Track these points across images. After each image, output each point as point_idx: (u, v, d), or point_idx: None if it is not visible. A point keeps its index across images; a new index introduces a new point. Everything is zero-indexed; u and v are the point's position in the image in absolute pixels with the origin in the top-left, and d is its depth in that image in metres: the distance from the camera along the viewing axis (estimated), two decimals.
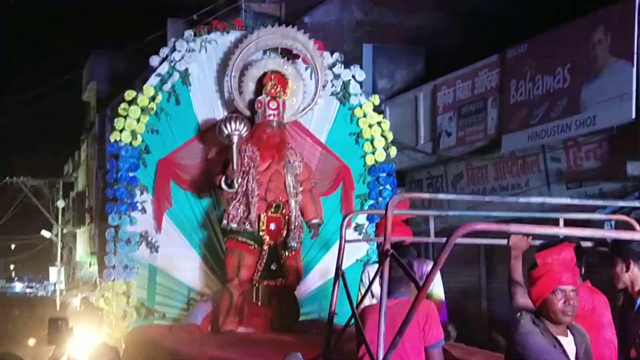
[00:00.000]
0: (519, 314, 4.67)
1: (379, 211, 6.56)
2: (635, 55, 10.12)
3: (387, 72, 14.99)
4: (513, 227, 3.60)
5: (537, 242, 5.16)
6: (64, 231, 33.54)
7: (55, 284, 32.73)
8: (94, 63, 29.22)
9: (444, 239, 5.64)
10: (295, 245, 8.13)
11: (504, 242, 5.30)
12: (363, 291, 6.65)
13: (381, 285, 4.52)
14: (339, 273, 5.33)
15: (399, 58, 15.71)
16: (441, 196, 4.67)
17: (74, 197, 32.86)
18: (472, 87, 13.59)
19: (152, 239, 8.52)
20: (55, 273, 33.41)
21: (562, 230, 3.93)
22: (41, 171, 34.85)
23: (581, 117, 10.85)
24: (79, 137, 33.27)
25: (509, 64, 12.50)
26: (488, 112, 12.96)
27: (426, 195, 4.49)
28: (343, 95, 8.91)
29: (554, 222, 5.55)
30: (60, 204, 32.36)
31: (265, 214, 8.03)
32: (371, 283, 5.03)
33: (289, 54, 8.55)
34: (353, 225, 8.90)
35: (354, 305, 5.09)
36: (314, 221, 8.24)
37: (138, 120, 8.43)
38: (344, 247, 5.35)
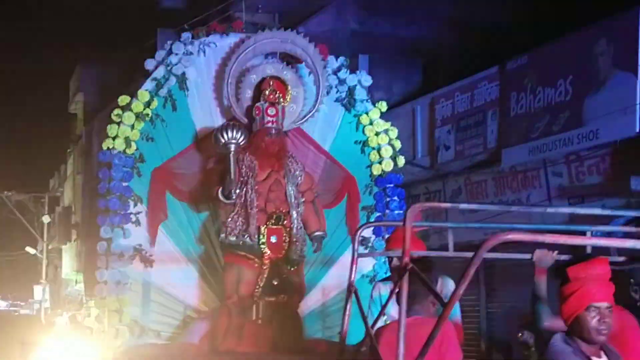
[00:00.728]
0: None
1: (394, 223, 6.14)
2: (639, 67, 10.00)
3: (383, 84, 14.63)
4: (549, 238, 3.30)
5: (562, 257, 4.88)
6: (49, 247, 33.06)
7: (40, 302, 32.19)
8: (81, 74, 28.81)
9: (464, 254, 5.30)
10: (298, 259, 7.75)
11: (527, 256, 4.96)
12: (374, 309, 6.31)
13: (399, 302, 4.14)
14: (351, 289, 4.92)
15: (396, 69, 15.51)
16: (463, 206, 4.33)
17: (60, 212, 32.30)
18: (471, 100, 13.47)
19: (146, 252, 8.13)
20: (40, 291, 32.90)
21: (602, 241, 3.54)
22: (26, 185, 34.40)
23: (583, 130, 10.74)
24: (65, 150, 32.82)
25: (509, 75, 12.37)
26: (487, 125, 12.86)
27: (447, 205, 4.15)
28: (348, 102, 8.56)
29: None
30: (46, 219, 31.93)
31: (265, 226, 7.69)
32: (388, 300, 4.62)
33: (289, 59, 8.16)
34: (359, 238, 8.47)
35: (369, 325, 4.68)
36: (317, 234, 7.89)
37: (132, 127, 8.07)
38: (356, 261, 4.96)
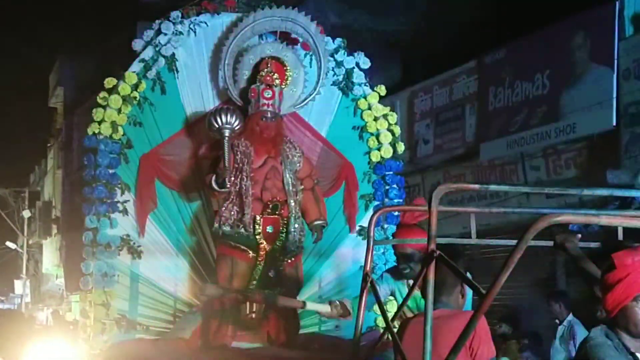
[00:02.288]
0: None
1: (417, 208, 5.65)
2: (615, 61, 10.00)
3: None
4: (604, 219, 3.01)
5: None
6: (30, 242, 32.59)
7: (21, 297, 31.71)
8: (61, 68, 28.37)
9: (488, 241, 4.85)
10: (296, 250, 7.31)
11: (549, 243, 4.53)
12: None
13: (424, 293, 3.71)
14: (367, 279, 4.47)
15: (375, 63, 15.21)
16: (493, 187, 3.82)
17: (40, 207, 31.84)
18: (450, 94, 13.55)
19: (134, 243, 7.64)
20: (21, 286, 32.39)
21: None
22: (6, 179, 33.84)
23: (561, 124, 10.74)
24: (46, 145, 32.31)
25: (487, 69, 12.38)
26: (466, 119, 13.02)
27: (475, 186, 3.69)
28: (346, 85, 8.10)
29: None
30: (26, 214, 31.47)
31: (261, 215, 7.20)
32: (410, 292, 4.15)
33: (288, 39, 7.67)
34: (357, 228, 8.04)
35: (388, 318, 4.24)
36: (316, 223, 7.42)
37: (119, 110, 7.59)
38: (372, 248, 4.52)
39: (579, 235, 4.48)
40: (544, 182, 11.15)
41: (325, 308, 6.79)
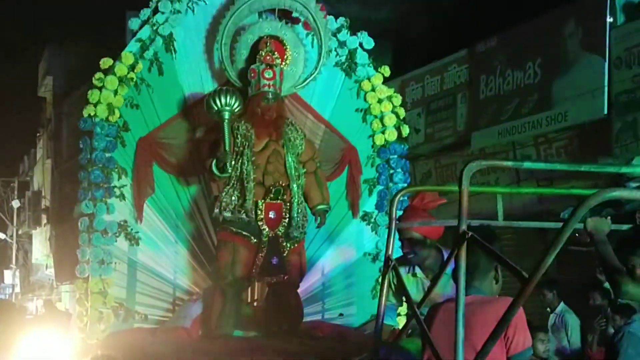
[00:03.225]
0: None
1: (442, 187, 5.35)
2: (607, 49, 9.91)
3: None
4: None
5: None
6: (19, 232, 32.19)
7: (13, 287, 31.35)
8: (50, 57, 27.96)
9: (517, 223, 4.56)
10: (299, 235, 7.00)
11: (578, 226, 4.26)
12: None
13: (455, 278, 3.59)
14: (389, 264, 4.18)
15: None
16: (527, 164, 3.54)
17: (30, 197, 31.40)
18: (441, 83, 13.43)
19: (132, 229, 7.33)
20: (10, 276, 32.00)
21: None
22: None
23: (552, 113, 10.68)
24: (35, 134, 31.88)
25: (478, 58, 12.30)
26: (457, 108, 12.88)
27: (509, 163, 3.38)
28: (349, 66, 7.80)
29: None
30: (15, 204, 31.04)
31: (263, 200, 6.91)
32: (438, 276, 3.86)
33: (287, 17, 7.35)
34: (361, 214, 7.75)
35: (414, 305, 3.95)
36: (319, 207, 7.13)
37: (115, 92, 7.25)
38: (394, 231, 4.21)
39: (609, 221, 4.20)
40: (534, 171, 10.95)
41: None
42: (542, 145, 11.14)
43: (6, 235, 32.83)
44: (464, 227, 3.41)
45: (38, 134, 31.43)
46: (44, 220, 28.05)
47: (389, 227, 4.31)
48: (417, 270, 5.82)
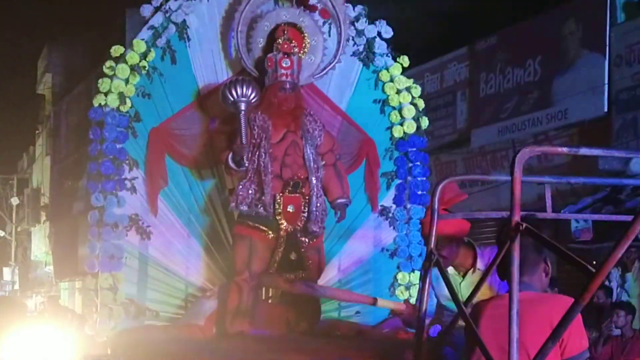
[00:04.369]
0: None
1: (493, 177, 4.98)
2: (607, 47, 9.95)
3: None
4: None
5: None
6: (18, 229, 31.91)
7: (12, 284, 31.07)
8: (49, 55, 27.72)
9: (567, 215, 4.22)
10: (318, 230, 6.66)
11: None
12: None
13: (503, 273, 3.42)
14: (432, 258, 3.84)
15: None
16: (583, 151, 3.20)
17: (29, 194, 31.14)
18: (441, 80, 13.51)
19: (143, 223, 6.96)
20: (9, 273, 31.72)
21: None
22: None
23: (552, 110, 10.71)
24: (34, 132, 31.59)
25: (478, 56, 12.34)
26: (457, 105, 13.22)
27: (564, 149, 3.08)
28: (366, 56, 7.46)
29: None
30: (14, 201, 30.79)
31: (281, 194, 6.58)
32: (487, 273, 3.53)
33: (304, 5, 7.00)
34: (379, 208, 7.41)
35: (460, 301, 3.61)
36: (339, 201, 6.79)
37: (127, 81, 6.90)
38: (436, 224, 3.87)
39: None
40: (534, 169, 10.86)
41: (399, 306, 6.16)
42: (542, 143, 10.98)
43: (5, 232, 32.59)
44: (517, 217, 3.10)
45: (37, 131, 31.24)
46: (43, 218, 27.86)
47: (431, 219, 3.97)
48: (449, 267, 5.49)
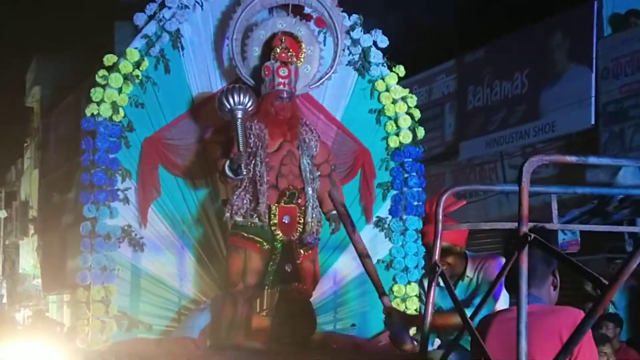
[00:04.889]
0: None
1: (506, 188, 4.81)
2: (594, 61, 9.92)
3: None
4: None
5: None
6: (6, 242, 31.65)
7: (2, 297, 30.82)
8: (38, 67, 27.55)
9: (576, 226, 4.11)
10: (313, 241, 6.55)
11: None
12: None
13: (510, 285, 3.35)
14: (436, 270, 3.72)
15: None
16: (592, 160, 3.11)
17: (17, 207, 30.90)
18: (429, 93, 13.43)
19: (136, 234, 6.82)
20: None
21: None
22: None
23: (540, 123, 10.67)
24: (22, 144, 31.36)
25: (466, 69, 12.29)
26: (445, 118, 13.18)
27: (572, 159, 2.99)
28: (362, 65, 7.34)
29: None
30: (2, 214, 30.54)
31: (277, 204, 6.42)
32: (495, 284, 3.41)
33: (298, 14, 6.90)
34: (374, 219, 7.28)
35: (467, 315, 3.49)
36: (334, 212, 6.64)
37: (120, 90, 6.76)
38: (441, 234, 3.75)
39: None
40: None
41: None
42: (529, 156, 10.94)
43: None
44: (524, 228, 2.99)
45: (25, 144, 30.97)
46: (32, 231, 27.63)
47: (435, 230, 3.85)
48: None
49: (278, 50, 6.60)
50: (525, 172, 3.03)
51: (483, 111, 11.85)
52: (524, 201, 3.04)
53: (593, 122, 9.92)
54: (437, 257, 3.82)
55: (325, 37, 7.07)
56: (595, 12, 10.11)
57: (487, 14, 13.15)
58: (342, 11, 7.11)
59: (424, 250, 7.22)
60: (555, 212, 3.93)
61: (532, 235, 2.99)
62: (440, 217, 3.83)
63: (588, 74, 10.03)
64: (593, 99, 9.95)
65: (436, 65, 13.11)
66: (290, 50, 6.64)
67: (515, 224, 3.11)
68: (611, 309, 9.89)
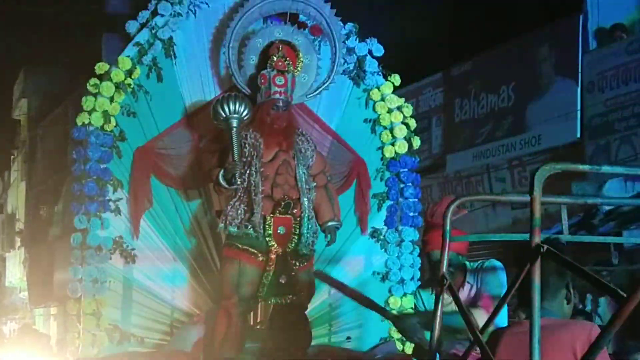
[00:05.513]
0: None
1: (517, 198, 4.59)
2: (579, 74, 9.91)
3: None
4: None
5: None
6: None
7: None
8: (26, 79, 27.27)
9: (584, 238, 3.96)
10: (308, 253, 6.37)
11: None
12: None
13: (520, 298, 3.27)
14: (443, 282, 3.56)
15: None
16: (605, 168, 2.95)
17: (4, 220, 30.56)
18: (416, 106, 13.30)
19: (127, 246, 6.64)
20: None
21: None
22: None
23: (526, 136, 10.67)
24: (9, 157, 31.03)
25: (453, 82, 12.30)
26: (432, 131, 12.98)
27: (585, 167, 2.83)
28: (357, 74, 7.20)
29: None
30: None
31: (271, 215, 6.25)
32: (506, 297, 3.25)
33: (297, 22, 6.75)
34: (369, 230, 7.13)
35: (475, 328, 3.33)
36: (330, 224, 6.48)
37: (111, 99, 6.58)
38: (448, 245, 3.59)
39: None
40: None
41: None
42: (516, 168, 11.11)
43: None
44: (537, 239, 2.83)
45: (12, 157, 30.66)
46: (18, 243, 27.32)
47: (443, 241, 3.68)
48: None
49: (275, 58, 6.45)
50: (536, 181, 2.89)
51: (470, 124, 11.84)
52: (535, 211, 2.89)
53: (579, 135, 9.93)
54: (444, 269, 3.65)
55: (320, 46, 6.92)
56: (580, 26, 10.12)
57: (474, 28, 13.15)
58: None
59: (420, 261, 7.08)
60: (565, 223, 3.77)
61: (545, 247, 2.84)
62: (449, 227, 3.66)
63: (574, 87, 10.02)
64: (579, 112, 9.95)
65: (423, 78, 13.03)
66: (288, 58, 6.49)
67: (527, 235, 2.96)
68: (598, 322, 9.78)
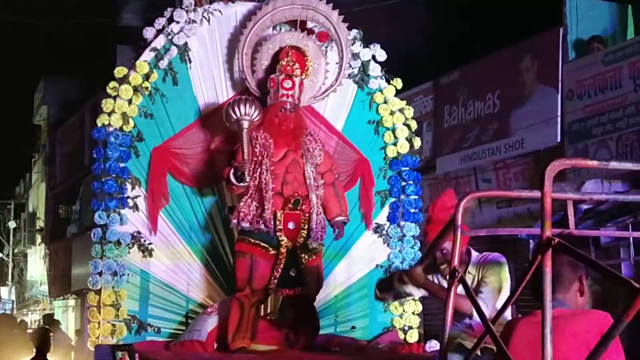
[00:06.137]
0: None
1: (526, 194, 4.31)
2: (560, 82, 9.94)
3: None
4: None
5: None
6: (15, 251, 31.12)
7: (12, 302, 30.31)
8: (46, 88, 27.17)
9: (591, 232, 3.78)
10: (317, 247, 6.21)
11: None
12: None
13: (534, 289, 2.92)
14: (455, 275, 3.36)
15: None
16: (613, 164, 2.74)
17: (25, 218, 30.41)
18: None
19: (145, 241, 6.49)
20: (7, 292, 30.94)
21: None
22: None
23: (510, 140, 10.73)
24: (30, 160, 30.89)
25: (442, 90, 12.33)
26: (423, 135, 12.72)
27: (594, 163, 2.64)
28: (361, 78, 7.04)
29: None
30: (12, 224, 30.04)
31: (282, 211, 6.08)
32: (518, 289, 3.06)
33: (306, 29, 6.58)
34: (373, 226, 6.94)
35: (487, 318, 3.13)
36: (338, 219, 6.31)
37: (130, 101, 6.41)
38: (459, 240, 3.39)
39: None
40: None
41: None
42: (500, 170, 11.07)
43: (3, 254, 31.83)
44: (548, 233, 2.67)
45: (33, 160, 30.53)
46: (39, 240, 27.20)
47: (454, 235, 3.49)
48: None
49: (283, 63, 6.29)
50: (547, 176, 2.72)
51: (458, 129, 11.78)
52: (546, 205, 2.72)
53: (559, 140, 9.89)
54: (456, 262, 3.46)
55: (326, 51, 6.75)
56: (560, 38, 10.09)
57: (462, 40, 13.11)
58: None
59: (421, 255, 6.90)
60: (572, 218, 3.58)
61: (557, 239, 2.65)
62: (459, 222, 3.47)
63: (554, 95, 10.00)
64: (559, 118, 9.93)
65: (415, 87, 12.99)
66: (296, 63, 6.33)
67: (538, 229, 2.78)
68: None
